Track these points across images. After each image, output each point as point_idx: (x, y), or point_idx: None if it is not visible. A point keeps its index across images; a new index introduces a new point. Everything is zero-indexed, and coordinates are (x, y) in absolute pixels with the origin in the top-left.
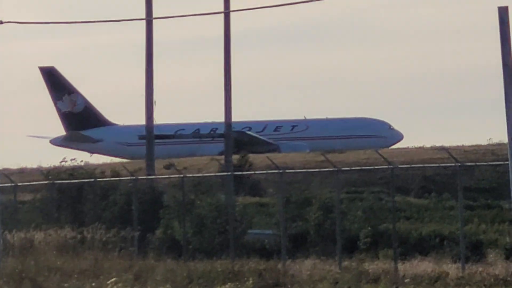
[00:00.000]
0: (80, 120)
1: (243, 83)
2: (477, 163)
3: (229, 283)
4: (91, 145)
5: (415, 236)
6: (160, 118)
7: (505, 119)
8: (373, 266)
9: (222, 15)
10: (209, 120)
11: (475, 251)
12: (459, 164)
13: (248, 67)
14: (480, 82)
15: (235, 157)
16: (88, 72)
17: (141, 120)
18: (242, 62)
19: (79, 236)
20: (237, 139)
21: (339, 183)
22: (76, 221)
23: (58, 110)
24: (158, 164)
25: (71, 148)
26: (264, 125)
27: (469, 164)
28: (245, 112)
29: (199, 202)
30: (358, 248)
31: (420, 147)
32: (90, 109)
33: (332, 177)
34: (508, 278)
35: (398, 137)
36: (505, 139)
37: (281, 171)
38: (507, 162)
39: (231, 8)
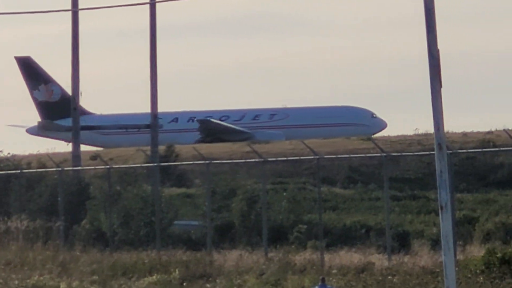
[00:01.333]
0: (57, 110)
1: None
2: (403, 153)
3: (155, 274)
4: (66, 134)
5: (340, 227)
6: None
7: (431, 109)
8: (299, 257)
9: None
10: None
11: (401, 241)
12: (385, 154)
13: (231, 55)
14: (406, 72)
15: (161, 148)
16: (63, 61)
17: (118, 109)
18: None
19: (3, 227)
20: (208, 128)
21: (264, 173)
22: (2, 213)
23: (35, 99)
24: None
25: (48, 137)
26: (242, 114)
27: (395, 154)
28: (224, 101)
29: (125, 193)
30: (285, 239)
31: (346, 138)
32: (67, 99)
33: (258, 167)
34: (435, 269)
35: (382, 125)
36: (431, 129)
37: (207, 161)
38: (433, 152)
39: None
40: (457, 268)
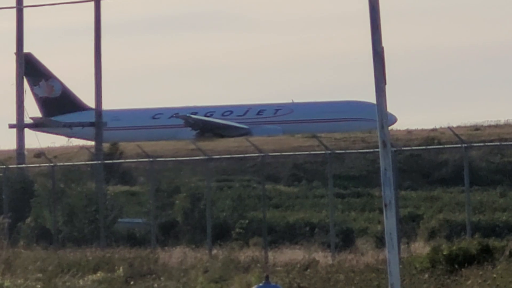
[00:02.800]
0: (57, 105)
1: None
2: (347, 151)
3: (100, 272)
4: (67, 130)
5: (284, 224)
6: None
7: (376, 106)
8: (243, 254)
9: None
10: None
11: (345, 239)
12: (329, 151)
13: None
14: (351, 68)
15: (106, 145)
16: (64, 57)
17: (117, 105)
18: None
19: None
20: (191, 123)
21: (209, 171)
22: None
23: (35, 95)
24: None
25: (49, 132)
26: (246, 109)
27: (339, 151)
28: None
29: (69, 190)
30: (229, 237)
31: (290, 135)
32: (67, 94)
33: (202, 165)
34: (379, 266)
35: (390, 120)
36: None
37: (151, 159)
38: (377, 150)
39: None
40: (401, 266)
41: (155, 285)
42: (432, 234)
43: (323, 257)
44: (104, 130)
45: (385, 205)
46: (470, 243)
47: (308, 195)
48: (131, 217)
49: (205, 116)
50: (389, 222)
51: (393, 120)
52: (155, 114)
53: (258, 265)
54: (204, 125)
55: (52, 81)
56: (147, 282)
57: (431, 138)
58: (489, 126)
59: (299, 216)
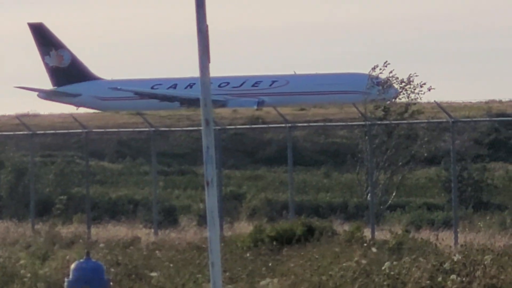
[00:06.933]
0: (67, 75)
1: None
2: (172, 129)
3: None
4: (72, 99)
5: (107, 201)
6: None
7: (200, 85)
8: (66, 230)
9: None
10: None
11: (168, 216)
12: (153, 129)
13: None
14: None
15: None
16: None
17: (125, 75)
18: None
19: None
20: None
21: (33, 146)
22: None
23: (46, 64)
24: None
25: (58, 101)
26: (243, 80)
27: (163, 129)
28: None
29: None
30: (52, 212)
31: (116, 112)
32: (76, 64)
33: (26, 140)
34: (201, 244)
35: (390, 93)
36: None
37: None
38: (200, 128)
39: None
40: (223, 244)
41: None
42: (254, 213)
43: (145, 235)
44: (104, 100)
45: (207, 183)
46: (293, 223)
47: (132, 172)
48: None
49: None
50: (211, 200)
51: (392, 94)
52: (154, 84)
53: (81, 241)
54: (150, 97)
55: (62, 51)
56: None
57: (256, 117)
58: (314, 107)
59: (123, 192)
